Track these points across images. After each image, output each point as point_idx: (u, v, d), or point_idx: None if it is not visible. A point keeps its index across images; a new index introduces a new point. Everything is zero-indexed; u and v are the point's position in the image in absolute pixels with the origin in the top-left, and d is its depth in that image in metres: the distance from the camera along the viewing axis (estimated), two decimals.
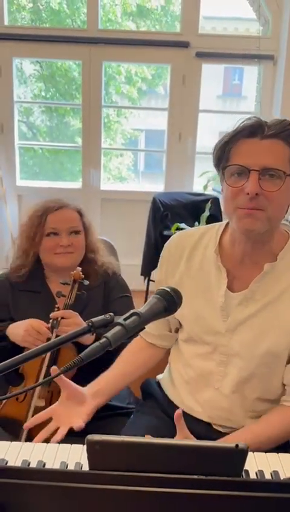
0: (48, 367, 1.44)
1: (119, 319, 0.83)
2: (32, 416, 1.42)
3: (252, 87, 4.45)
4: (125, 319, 0.83)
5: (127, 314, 0.84)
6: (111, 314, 0.85)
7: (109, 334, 0.80)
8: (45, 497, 0.63)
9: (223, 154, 1.13)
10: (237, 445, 0.55)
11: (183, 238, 1.32)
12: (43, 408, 1.42)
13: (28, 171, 5.67)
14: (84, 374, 1.49)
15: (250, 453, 0.67)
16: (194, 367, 1.29)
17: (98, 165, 4.09)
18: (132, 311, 0.85)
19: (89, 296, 1.57)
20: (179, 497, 0.58)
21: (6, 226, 4.01)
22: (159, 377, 1.49)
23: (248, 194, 1.07)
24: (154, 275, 1.98)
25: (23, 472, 0.62)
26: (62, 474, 0.60)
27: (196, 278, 1.25)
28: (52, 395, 1.45)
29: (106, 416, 1.46)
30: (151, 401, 1.45)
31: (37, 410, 1.43)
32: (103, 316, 0.84)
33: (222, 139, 1.14)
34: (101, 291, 1.63)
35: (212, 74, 4.13)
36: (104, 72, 4.02)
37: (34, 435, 1.18)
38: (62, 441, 1.10)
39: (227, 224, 1.26)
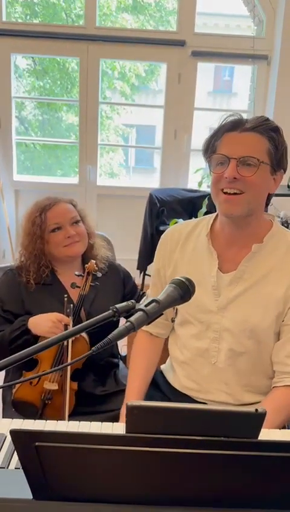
0: (62, 353, 1.51)
1: (141, 305, 0.92)
2: (44, 398, 1.52)
3: (243, 84, 4.53)
4: (146, 305, 0.91)
5: (147, 301, 0.93)
6: (133, 301, 0.93)
7: (133, 318, 0.88)
8: (83, 459, 0.71)
9: (209, 146, 1.30)
10: (256, 410, 0.64)
11: (178, 229, 1.47)
12: (56, 391, 1.51)
13: (19, 165, 5.71)
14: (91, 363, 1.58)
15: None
16: (190, 347, 1.40)
17: (94, 161, 4.16)
18: (151, 298, 0.94)
19: (98, 282, 1.65)
20: (205, 457, 0.67)
21: (3, 221, 4.06)
22: (162, 366, 1.60)
23: (227, 178, 1.23)
24: (150, 269, 2.08)
25: (64, 436, 0.70)
26: (101, 437, 0.68)
27: (190, 262, 1.39)
28: (65, 379, 1.51)
29: (115, 392, 1.60)
30: (154, 389, 1.55)
31: (50, 393, 1.52)
32: (125, 303, 0.92)
33: (210, 134, 1.30)
34: (110, 278, 1.72)
35: (203, 70, 4.20)
36: (100, 65, 4.09)
37: (47, 417, 1.26)
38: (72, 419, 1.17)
39: (217, 214, 1.40)
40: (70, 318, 1.50)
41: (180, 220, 3.20)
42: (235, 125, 1.25)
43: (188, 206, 3.68)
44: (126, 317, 0.92)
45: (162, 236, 1.49)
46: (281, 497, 0.75)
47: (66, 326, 1.48)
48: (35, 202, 1.68)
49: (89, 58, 3.94)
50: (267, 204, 1.36)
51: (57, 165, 6.62)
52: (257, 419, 0.65)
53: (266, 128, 1.24)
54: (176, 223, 3.18)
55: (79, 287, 1.58)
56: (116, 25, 5.20)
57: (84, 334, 1.54)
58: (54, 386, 1.51)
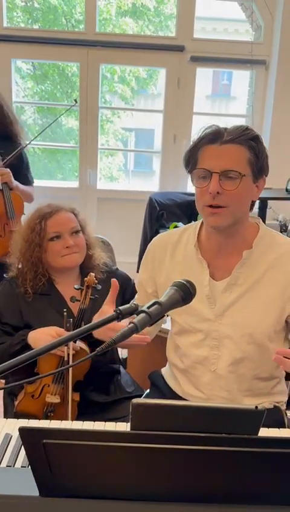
0: (62, 366, 1.50)
1: (144, 307, 0.94)
2: (46, 411, 1.52)
3: (241, 88, 4.57)
4: (148, 307, 0.94)
5: (150, 303, 0.95)
6: (135, 303, 0.95)
7: (136, 320, 0.91)
8: (89, 456, 0.74)
9: (190, 160, 1.29)
10: (256, 407, 0.66)
11: (165, 238, 1.48)
12: (58, 404, 1.51)
13: None
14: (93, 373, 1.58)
15: None
16: (190, 355, 1.41)
17: (94, 164, 4.19)
18: (153, 300, 0.96)
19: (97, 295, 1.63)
20: (207, 453, 0.70)
21: None
22: (163, 370, 1.60)
23: (211, 193, 1.23)
24: None
25: (71, 433, 0.73)
26: (106, 435, 0.71)
27: (181, 272, 1.38)
28: (66, 392, 1.51)
29: (118, 400, 1.59)
30: (156, 392, 1.57)
31: (52, 406, 1.52)
32: (128, 305, 0.94)
33: (190, 146, 1.30)
34: (108, 285, 1.69)
35: (201, 74, 4.24)
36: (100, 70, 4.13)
37: None
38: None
39: (203, 221, 1.41)
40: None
41: (180, 224, 3.23)
42: (214, 138, 1.24)
43: (187, 209, 3.71)
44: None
45: (149, 245, 1.49)
46: (281, 493, 0.77)
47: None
48: (36, 208, 1.66)
49: (89, 63, 3.98)
50: (251, 210, 1.36)
51: (57, 169, 6.65)
52: (256, 416, 0.68)
53: (246, 138, 1.24)
54: (176, 226, 3.22)
55: (79, 301, 1.55)
56: (116, 30, 5.25)
57: (85, 347, 1.53)
58: (56, 399, 1.50)
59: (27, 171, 2.90)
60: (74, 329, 1.50)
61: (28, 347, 1.49)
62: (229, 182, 1.23)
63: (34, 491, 0.81)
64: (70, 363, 1.46)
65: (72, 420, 1.47)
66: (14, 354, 1.49)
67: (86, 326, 0.92)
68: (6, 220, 2.68)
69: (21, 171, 2.81)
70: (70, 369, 1.48)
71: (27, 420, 1.14)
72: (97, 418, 1.48)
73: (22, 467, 0.98)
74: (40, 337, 1.49)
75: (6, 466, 0.98)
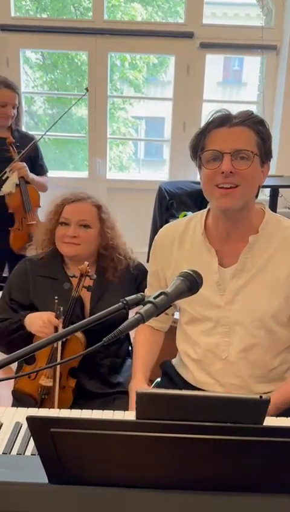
0: (52, 352, 1.54)
1: (150, 298, 0.94)
2: (40, 393, 1.56)
3: (253, 74, 4.51)
4: (155, 298, 0.94)
5: (156, 294, 0.95)
6: (142, 293, 0.96)
7: (142, 310, 0.91)
8: (96, 444, 0.75)
9: (198, 144, 1.31)
10: (261, 396, 0.67)
11: (171, 228, 1.48)
12: (51, 388, 1.54)
13: None
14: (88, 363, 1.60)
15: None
16: (201, 344, 1.42)
17: (104, 154, 4.18)
18: (159, 291, 0.96)
19: (108, 285, 1.67)
20: (212, 442, 0.70)
21: None
22: (173, 361, 1.61)
23: (223, 173, 1.24)
24: None
25: (78, 422, 0.74)
26: (112, 423, 0.72)
27: (190, 262, 1.39)
28: (61, 375, 1.55)
29: (116, 393, 1.62)
30: (168, 381, 1.58)
31: (46, 389, 1.56)
32: (135, 295, 0.94)
33: (197, 132, 1.32)
34: (120, 277, 1.71)
35: (212, 60, 4.19)
36: (109, 58, 4.09)
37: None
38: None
39: (209, 210, 1.42)
40: (60, 320, 1.51)
41: (190, 213, 3.21)
42: (223, 121, 1.27)
43: (197, 198, 3.69)
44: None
45: (156, 237, 1.50)
46: (286, 482, 0.78)
47: (56, 329, 1.48)
48: (69, 191, 1.73)
49: (97, 52, 3.95)
50: (256, 197, 1.37)
51: (69, 159, 6.66)
52: (261, 406, 0.68)
53: (254, 121, 1.27)
54: (185, 215, 3.21)
55: (72, 288, 1.58)
56: (125, 16, 5.20)
57: (79, 334, 1.54)
58: (49, 383, 1.53)
59: (42, 161, 2.94)
60: (64, 317, 1.55)
61: (23, 328, 1.55)
62: (242, 161, 1.25)
63: (44, 479, 0.82)
64: (59, 349, 1.51)
65: (65, 405, 1.52)
66: (11, 331, 1.57)
67: (93, 316, 0.92)
68: (24, 213, 2.72)
69: (37, 162, 2.85)
70: (60, 354, 1.51)
71: (37, 409, 1.15)
72: (93, 406, 1.50)
73: (31, 454, 1.00)
74: (33, 321, 1.54)
75: (17, 454, 1.00)
